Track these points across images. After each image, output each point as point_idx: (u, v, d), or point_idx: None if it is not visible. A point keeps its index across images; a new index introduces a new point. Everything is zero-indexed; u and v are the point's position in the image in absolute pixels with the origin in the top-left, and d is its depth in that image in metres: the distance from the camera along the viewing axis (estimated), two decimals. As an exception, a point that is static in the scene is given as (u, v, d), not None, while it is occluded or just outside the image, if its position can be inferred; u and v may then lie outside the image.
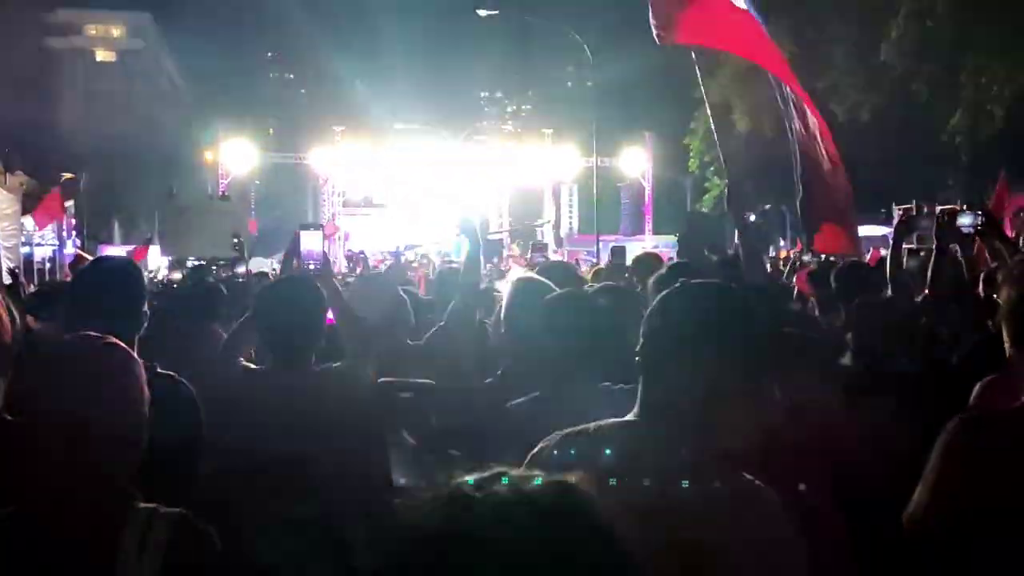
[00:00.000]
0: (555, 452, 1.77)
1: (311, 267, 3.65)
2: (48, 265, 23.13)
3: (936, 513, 1.98)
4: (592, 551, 0.98)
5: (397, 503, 1.04)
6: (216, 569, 1.99)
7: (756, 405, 1.85)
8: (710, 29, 5.01)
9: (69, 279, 15.06)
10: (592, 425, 1.89)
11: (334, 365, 3.47)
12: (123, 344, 2.12)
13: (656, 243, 37.87)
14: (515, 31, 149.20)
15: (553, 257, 33.43)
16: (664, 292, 1.94)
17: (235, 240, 11.65)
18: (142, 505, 1.99)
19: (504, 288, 3.63)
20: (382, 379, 2.51)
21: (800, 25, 28.33)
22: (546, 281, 3.56)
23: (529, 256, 7.45)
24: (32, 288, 13.97)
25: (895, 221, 25.41)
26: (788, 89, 5.09)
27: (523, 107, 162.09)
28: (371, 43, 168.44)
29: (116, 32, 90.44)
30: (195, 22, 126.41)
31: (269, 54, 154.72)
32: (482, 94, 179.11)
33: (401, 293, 4.35)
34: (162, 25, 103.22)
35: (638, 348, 1.88)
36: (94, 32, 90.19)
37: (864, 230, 27.52)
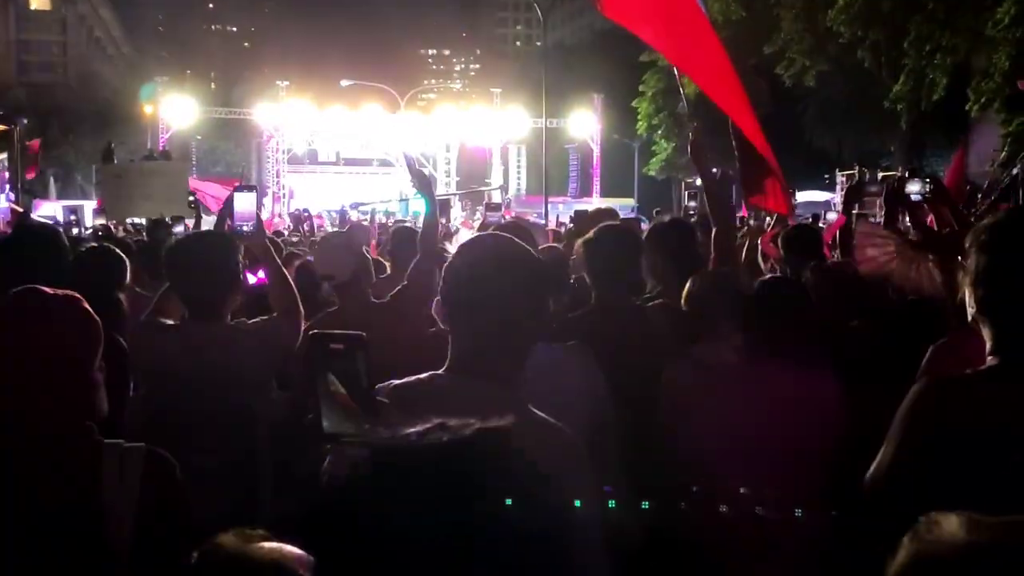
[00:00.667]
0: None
1: (244, 229, 3.63)
2: (-19, 220, 22.43)
3: (901, 476, 1.99)
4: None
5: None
6: (183, 494, 2.19)
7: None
8: (641, 13, 4.99)
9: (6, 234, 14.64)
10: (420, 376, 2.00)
11: (251, 320, 3.54)
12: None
13: (603, 206, 38.05)
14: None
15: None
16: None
17: (191, 200, 11.53)
18: (108, 441, 2.16)
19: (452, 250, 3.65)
20: (314, 331, 2.59)
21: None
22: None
23: (483, 216, 7.36)
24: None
25: (839, 187, 25.90)
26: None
27: (471, 67, 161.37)
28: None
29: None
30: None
31: (211, 5, 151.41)
32: (429, 52, 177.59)
33: (365, 252, 4.37)
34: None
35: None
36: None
37: (806, 195, 28.03)
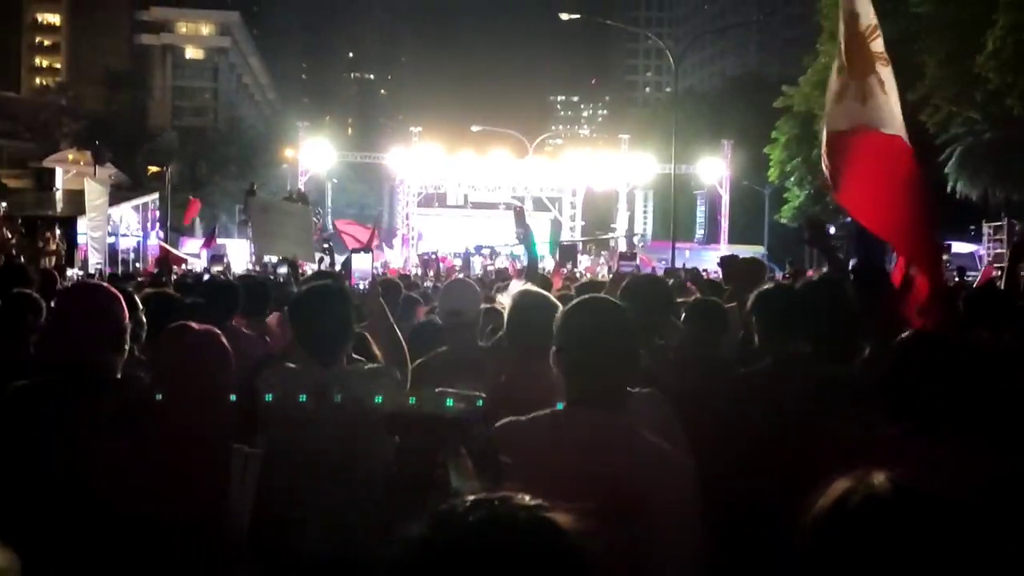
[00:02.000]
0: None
1: (360, 287, 4.02)
2: (132, 256, 23.81)
3: None
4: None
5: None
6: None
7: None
8: (860, 197, 4.90)
9: (153, 269, 15.46)
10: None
11: (366, 366, 3.72)
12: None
13: (731, 253, 37.22)
14: (593, 36, 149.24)
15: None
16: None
17: (325, 245, 11.93)
18: (236, 445, 2.74)
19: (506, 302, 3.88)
20: (439, 389, 2.66)
21: (893, 34, 27.57)
22: (545, 293, 3.79)
23: (616, 265, 7.16)
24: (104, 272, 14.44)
25: (986, 239, 24.63)
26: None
27: (599, 113, 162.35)
28: (450, 46, 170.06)
29: (205, 30, 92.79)
30: (280, 22, 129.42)
31: (350, 54, 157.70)
32: (558, 98, 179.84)
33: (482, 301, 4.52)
34: (249, 24, 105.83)
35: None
36: (184, 30, 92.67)
37: (952, 247, 26.76)
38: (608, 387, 2.42)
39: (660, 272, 21.22)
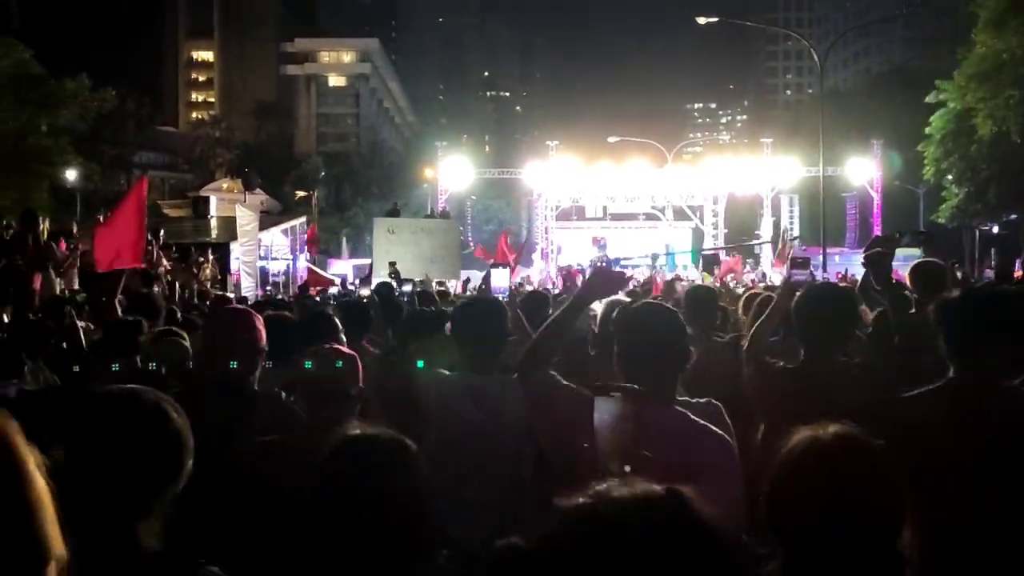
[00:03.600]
0: None
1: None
2: (282, 278, 24.66)
3: None
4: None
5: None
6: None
7: None
8: None
9: (299, 290, 15.91)
10: None
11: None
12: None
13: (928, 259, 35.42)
14: (729, 42, 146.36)
15: (773, 272, 32.19)
16: None
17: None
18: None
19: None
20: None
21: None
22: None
23: (789, 274, 6.44)
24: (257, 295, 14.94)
25: None
26: None
27: (738, 118, 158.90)
28: (584, 60, 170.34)
29: (347, 58, 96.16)
30: (417, 46, 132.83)
31: (485, 73, 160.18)
32: (695, 105, 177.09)
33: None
34: (387, 50, 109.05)
35: None
36: (327, 59, 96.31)
37: None
38: (664, 382, 2.88)
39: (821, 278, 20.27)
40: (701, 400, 3.33)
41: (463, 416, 3.74)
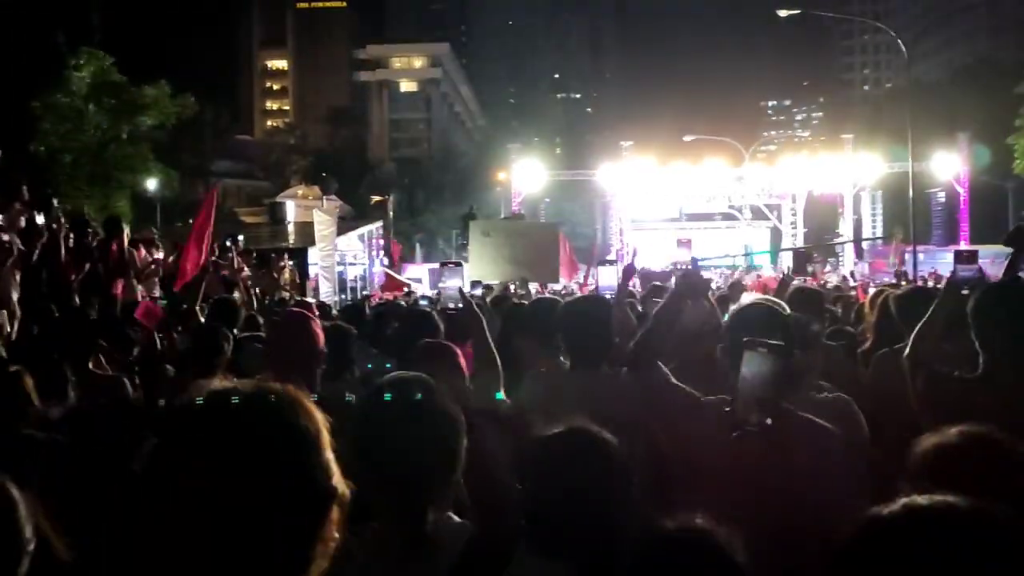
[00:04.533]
0: None
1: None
2: (360, 284, 24.74)
3: None
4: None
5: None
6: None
7: None
8: None
9: (377, 297, 15.86)
10: None
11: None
12: None
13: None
14: (802, 37, 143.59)
15: (853, 270, 31.24)
16: None
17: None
18: None
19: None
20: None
21: None
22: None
23: (954, 272, 5.57)
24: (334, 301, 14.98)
25: None
26: None
27: (813, 115, 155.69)
28: (653, 60, 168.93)
29: (418, 63, 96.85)
30: (487, 50, 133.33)
31: (555, 75, 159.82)
32: (769, 103, 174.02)
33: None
34: (458, 54, 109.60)
35: None
36: (398, 64, 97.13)
37: None
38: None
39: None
40: (829, 396, 3.33)
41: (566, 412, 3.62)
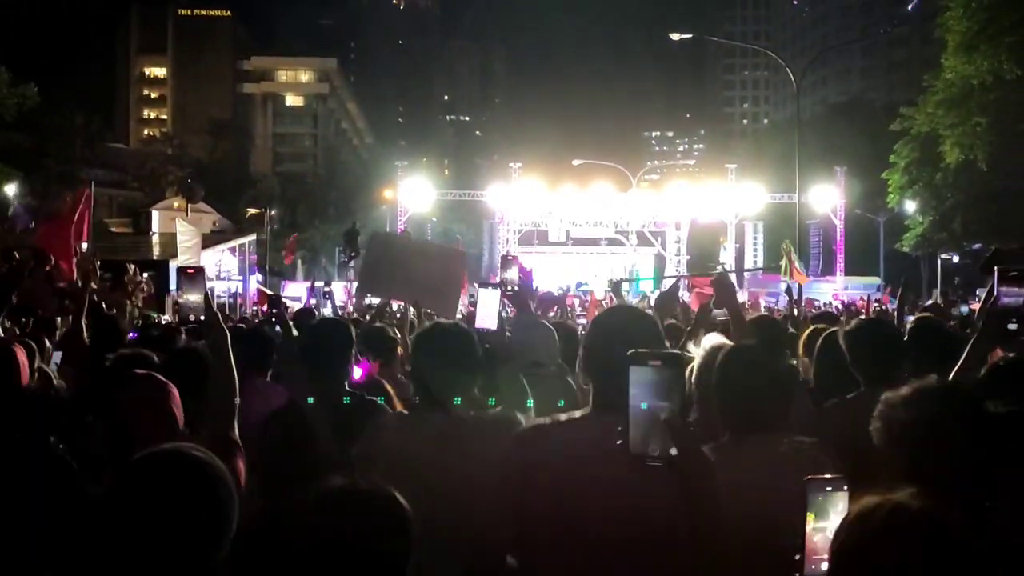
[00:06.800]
0: None
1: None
2: (229, 300, 23.34)
3: None
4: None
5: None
6: None
7: None
8: None
9: (256, 313, 14.75)
10: None
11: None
12: None
13: (847, 284, 35.30)
14: (685, 71, 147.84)
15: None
16: None
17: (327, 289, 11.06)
18: None
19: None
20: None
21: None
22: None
23: (995, 292, 5.38)
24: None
25: None
26: None
27: (695, 147, 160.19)
28: (542, 86, 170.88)
29: (304, 77, 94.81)
30: (376, 69, 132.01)
31: (445, 97, 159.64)
32: (653, 133, 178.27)
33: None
34: (346, 70, 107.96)
35: None
36: (285, 78, 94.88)
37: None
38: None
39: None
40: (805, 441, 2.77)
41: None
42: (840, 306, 18.75)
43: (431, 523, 2.91)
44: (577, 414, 2.53)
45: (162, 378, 3.19)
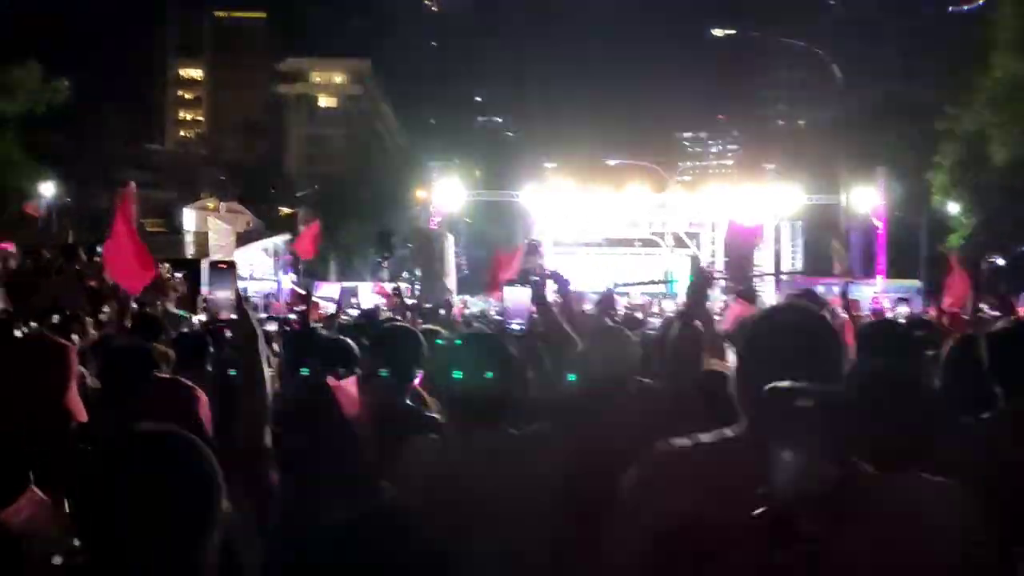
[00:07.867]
0: None
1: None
2: (262, 301, 23.19)
3: None
4: None
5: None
6: None
7: None
8: None
9: (289, 312, 14.56)
10: None
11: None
12: None
13: (887, 288, 34.52)
14: (720, 73, 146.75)
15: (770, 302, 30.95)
16: None
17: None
18: None
19: None
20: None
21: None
22: None
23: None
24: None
25: None
26: None
27: (728, 148, 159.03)
28: (574, 86, 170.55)
29: (338, 79, 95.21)
30: (409, 69, 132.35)
31: (477, 99, 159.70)
32: (685, 135, 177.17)
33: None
34: (379, 71, 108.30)
35: None
36: (318, 79, 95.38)
37: None
38: None
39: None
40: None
41: None
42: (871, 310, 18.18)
43: (479, 541, 2.65)
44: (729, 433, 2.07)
45: (189, 383, 3.14)
